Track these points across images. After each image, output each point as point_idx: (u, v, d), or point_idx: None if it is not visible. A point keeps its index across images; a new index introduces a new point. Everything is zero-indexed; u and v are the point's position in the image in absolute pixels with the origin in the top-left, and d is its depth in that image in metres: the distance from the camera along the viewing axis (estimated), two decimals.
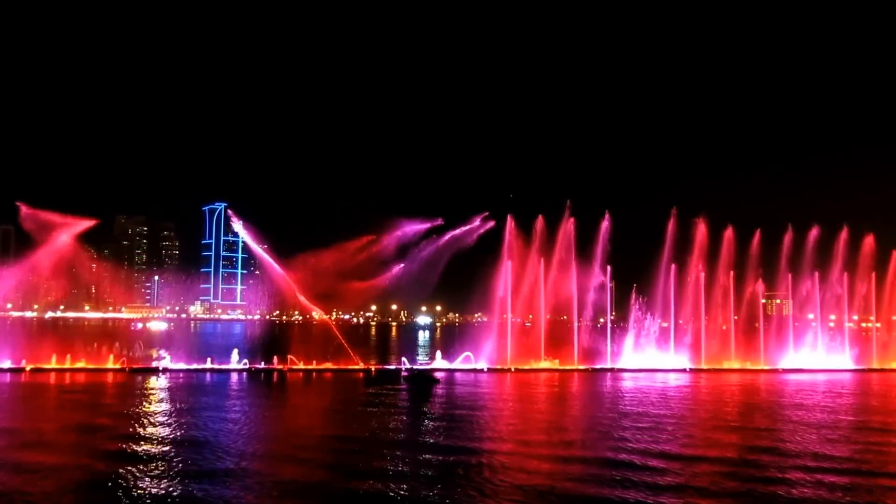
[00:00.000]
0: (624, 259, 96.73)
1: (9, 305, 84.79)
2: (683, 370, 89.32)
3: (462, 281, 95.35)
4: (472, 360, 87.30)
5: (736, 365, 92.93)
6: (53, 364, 77.39)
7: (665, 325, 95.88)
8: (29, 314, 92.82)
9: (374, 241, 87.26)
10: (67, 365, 77.57)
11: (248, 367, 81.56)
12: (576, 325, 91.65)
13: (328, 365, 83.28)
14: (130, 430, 42.20)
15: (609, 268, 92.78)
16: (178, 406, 53.63)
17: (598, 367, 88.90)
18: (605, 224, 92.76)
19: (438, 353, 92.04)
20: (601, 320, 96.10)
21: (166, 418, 47.45)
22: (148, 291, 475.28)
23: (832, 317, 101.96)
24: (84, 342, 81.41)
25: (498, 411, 54.98)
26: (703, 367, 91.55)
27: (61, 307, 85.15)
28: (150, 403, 55.41)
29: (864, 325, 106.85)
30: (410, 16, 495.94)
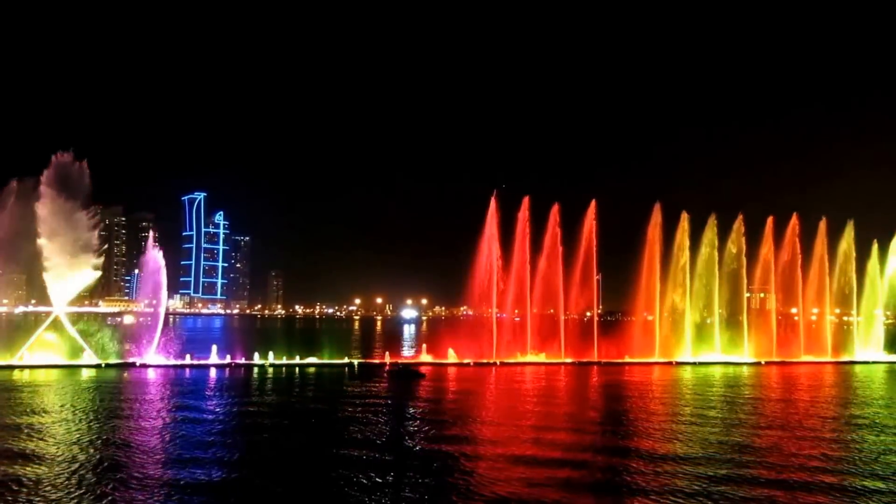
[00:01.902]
0: (609, 252, 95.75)
1: None
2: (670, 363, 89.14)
3: (448, 274, 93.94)
4: (457, 355, 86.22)
5: (721, 358, 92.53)
6: (25, 360, 75.30)
7: (651, 318, 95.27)
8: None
9: None
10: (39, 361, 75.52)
11: (228, 362, 79.88)
12: (562, 318, 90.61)
13: (311, 360, 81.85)
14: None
15: (595, 260, 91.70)
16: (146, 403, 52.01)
17: (584, 360, 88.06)
18: (591, 214, 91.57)
19: (424, 347, 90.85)
20: (588, 314, 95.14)
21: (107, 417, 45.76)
22: (126, 284, 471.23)
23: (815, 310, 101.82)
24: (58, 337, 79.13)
25: (481, 408, 53.53)
26: (690, 360, 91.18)
27: (33, 301, 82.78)
28: (106, 400, 53.59)
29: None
30: (396, 13, 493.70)
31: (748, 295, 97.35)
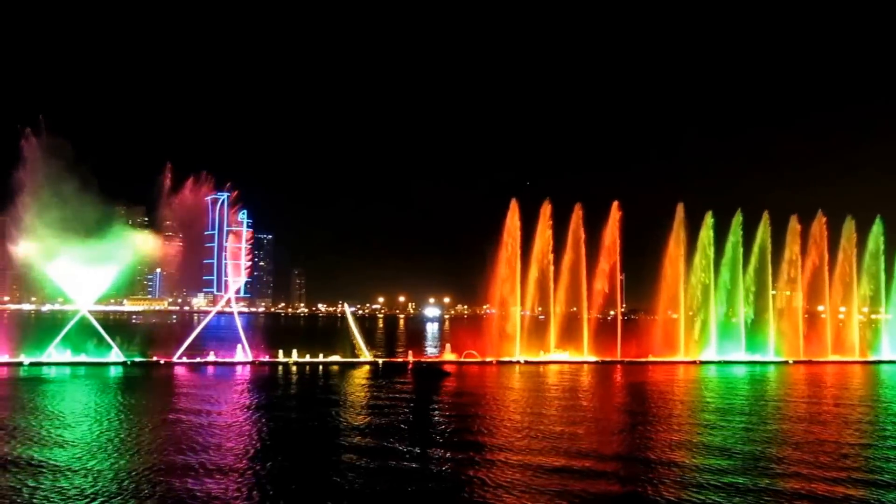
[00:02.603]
0: (631, 252, 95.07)
1: (6, 298, 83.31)
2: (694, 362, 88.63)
3: (470, 273, 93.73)
4: (480, 354, 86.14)
5: (747, 357, 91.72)
6: (53, 357, 76.16)
7: (675, 316, 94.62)
8: (27, 307, 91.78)
9: None
10: (68, 358, 76.33)
11: (252, 360, 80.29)
12: (585, 316, 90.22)
13: (335, 357, 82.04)
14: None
15: (619, 259, 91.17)
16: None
17: (607, 359, 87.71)
18: (615, 214, 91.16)
19: (447, 346, 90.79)
20: (611, 312, 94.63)
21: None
22: (149, 283, 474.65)
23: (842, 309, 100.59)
24: (85, 336, 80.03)
25: (503, 407, 53.35)
26: (715, 359, 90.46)
27: (59, 299, 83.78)
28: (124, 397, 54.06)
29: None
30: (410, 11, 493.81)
31: (774, 293, 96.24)
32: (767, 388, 68.69)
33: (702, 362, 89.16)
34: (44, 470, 30.47)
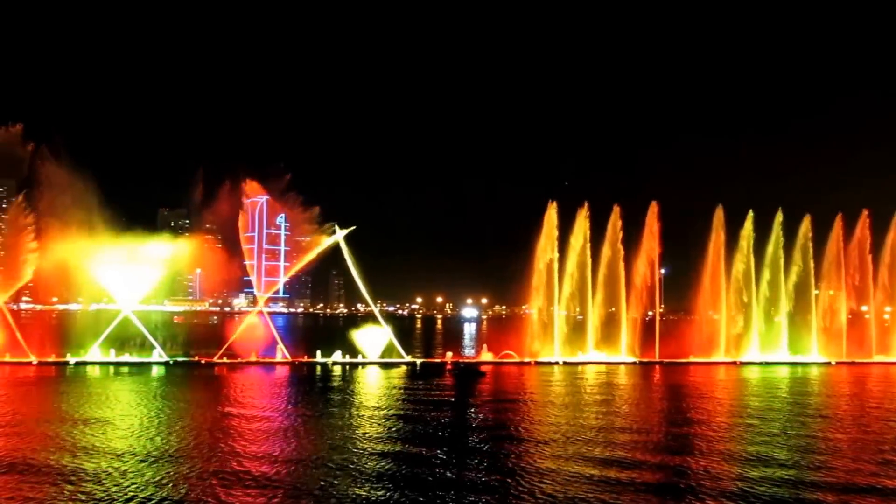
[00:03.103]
0: (670, 252, 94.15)
1: (54, 299, 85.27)
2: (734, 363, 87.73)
3: (508, 273, 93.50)
4: (518, 354, 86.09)
5: (788, 358, 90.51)
6: (97, 357, 77.64)
7: (716, 316, 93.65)
8: (73, 307, 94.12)
9: None
10: (112, 358, 77.81)
11: (291, 360, 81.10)
12: (623, 316, 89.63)
13: (373, 358, 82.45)
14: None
15: (657, 259, 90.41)
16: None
17: (646, 360, 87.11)
18: (653, 214, 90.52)
19: (485, 346, 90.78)
20: (650, 312, 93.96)
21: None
22: (190, 284, 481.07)
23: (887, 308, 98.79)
24: (128, 335, 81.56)
25: (541, 407, 53.26)
26: (755, 359, 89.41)
27: (104, 299, 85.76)
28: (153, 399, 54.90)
29: None
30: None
31: (816, 293, 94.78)
32: (809, 389, 67.84)
33: (742, 363, 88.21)
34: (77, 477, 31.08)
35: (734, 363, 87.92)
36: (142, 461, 32.63)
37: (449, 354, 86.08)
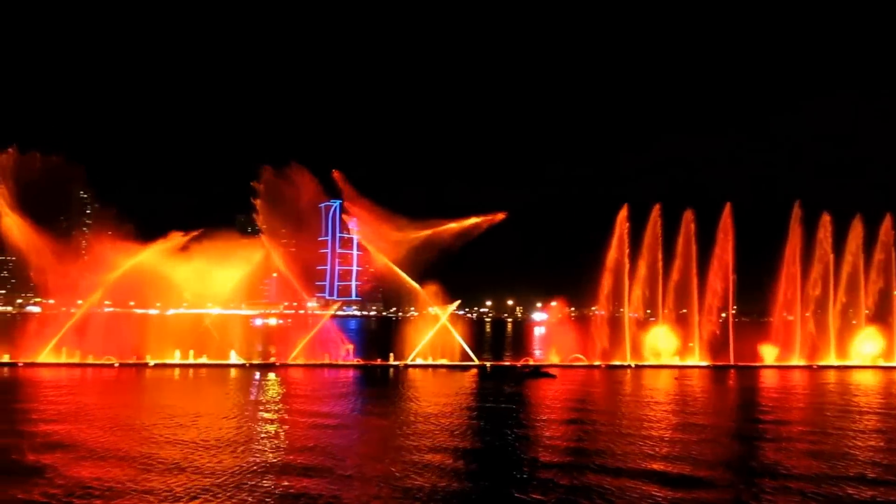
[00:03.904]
0: (744, 255, 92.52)
1: (132, 303, 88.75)
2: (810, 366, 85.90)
3: (579, 274, 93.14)
4: (587, 357, 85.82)
5: (865, 362, 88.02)
6: (177, 359, 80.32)
7: (790, 318, 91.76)
8: (152, 311, 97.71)
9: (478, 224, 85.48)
10: (190, 360, 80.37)
11: (362, 363, 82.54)
12: (696, 319, 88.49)
13: (443, 360, 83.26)
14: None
15: (731, 261, 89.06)
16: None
17: (720, 364, 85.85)
18: (727, 217, 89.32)
19: (554, 349, 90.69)
20: (723, 315, 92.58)
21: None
22: (266, 288, 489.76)
23: None
24: (206, 338, 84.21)
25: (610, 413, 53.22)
26: (834, 363, 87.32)
27: (184, 304, 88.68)
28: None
29: None
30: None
31: None
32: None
33: (819, 367, 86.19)
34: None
35: (811, 367, 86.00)
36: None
37: (526, 359, 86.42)
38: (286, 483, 29.57)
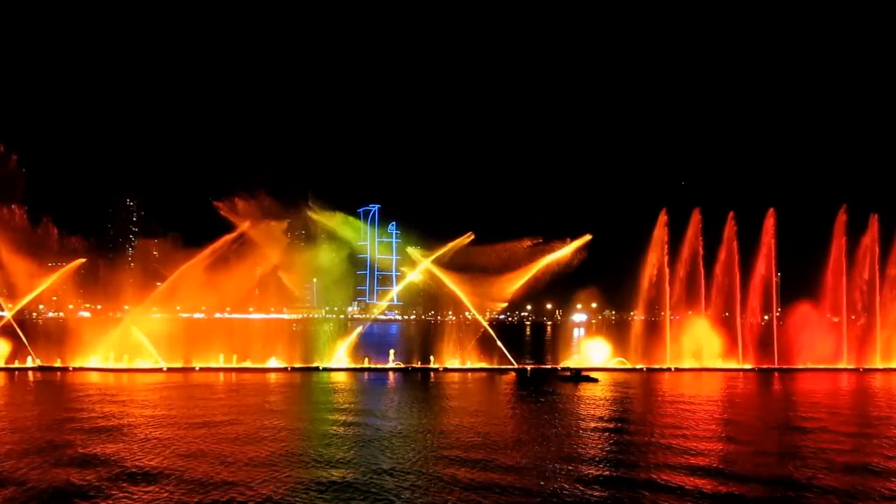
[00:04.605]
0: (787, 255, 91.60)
1: (178, 307, 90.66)
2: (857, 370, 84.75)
3: (619, 276, 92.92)
4: (630, 360, 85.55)
5: None
6: (221, 363, 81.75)
7: (836, 320, 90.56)
8: (197, 315, 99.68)
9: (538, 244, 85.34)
10: (234, 364, 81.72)
11: (403, 366, 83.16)
12: (738, 321, 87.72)
13: (482, 364, 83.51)
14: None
15: (774, 263, 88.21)
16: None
17: (763, 367, 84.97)
18: (770, 221, 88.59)
19: (593, 352, 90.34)
20: (766, 317, 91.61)
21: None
22: (307, 293, 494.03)
23: None
24: (249, 342, 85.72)
25: (653, 414, 53.11)
26: (879, 366, 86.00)
27: (227, 309, 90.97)
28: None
29: None
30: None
31: None
32: None
33: (865, 370, 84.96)
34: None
35: (857, 370, 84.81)
36: None
37: (566, 362, 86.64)
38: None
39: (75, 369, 78.38)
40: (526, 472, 32.75)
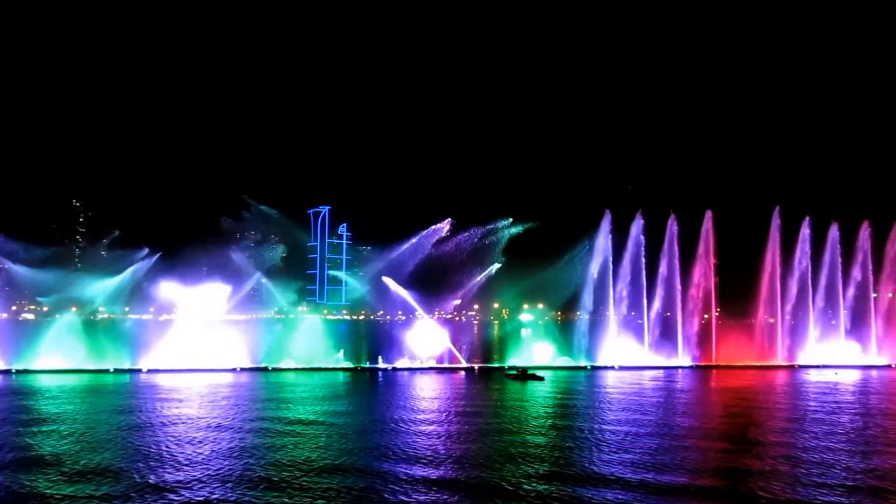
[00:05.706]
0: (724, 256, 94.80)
1: (126, 309, 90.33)
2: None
3: (564, 280, 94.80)
4: (574, 358, 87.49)
5: (844, 361, 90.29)
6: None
7: (772, 320, 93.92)
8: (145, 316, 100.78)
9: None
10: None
11: (355, 366, 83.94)
12: (679, 320, 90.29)
13: (432, 363, 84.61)
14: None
15: (714, 264, 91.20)
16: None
17: (703, 364, 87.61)
18: (708, 223, 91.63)
19: (540, 352, 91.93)
20: (706, 316, 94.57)
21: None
22: (255, 294, 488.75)
23: None
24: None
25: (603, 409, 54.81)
26: (814, 363, 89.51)
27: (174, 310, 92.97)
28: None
29: None
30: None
31: (875, 296, 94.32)
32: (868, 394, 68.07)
33: (800, 366, 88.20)
34: None
35: (792, 366, 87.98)
36: None
37: (505, 359, 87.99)
38: None
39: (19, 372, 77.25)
40: (470, 468, 34.04)
